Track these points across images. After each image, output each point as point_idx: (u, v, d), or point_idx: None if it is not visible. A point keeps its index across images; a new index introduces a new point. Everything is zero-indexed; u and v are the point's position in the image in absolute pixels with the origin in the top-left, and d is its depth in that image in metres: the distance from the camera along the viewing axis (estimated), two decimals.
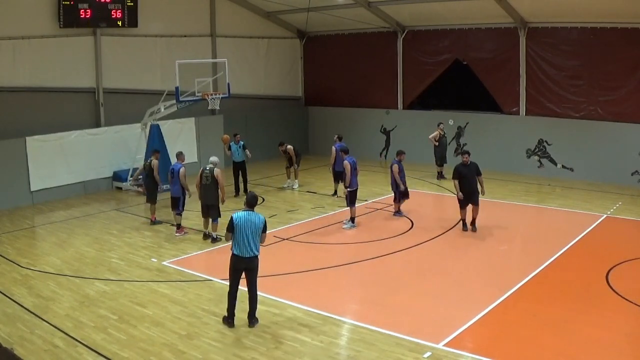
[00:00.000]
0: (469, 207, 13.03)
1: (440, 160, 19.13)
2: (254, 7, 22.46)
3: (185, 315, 9.01)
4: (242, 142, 17.12)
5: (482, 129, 20.34)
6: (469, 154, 13.22)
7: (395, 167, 14.23)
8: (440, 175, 18.99)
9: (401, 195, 14.49)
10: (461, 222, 13.26)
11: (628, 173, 17.42)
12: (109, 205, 16.52)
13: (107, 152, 18.33)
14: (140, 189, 16.43)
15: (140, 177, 15.35)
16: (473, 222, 13.10)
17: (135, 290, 10.14)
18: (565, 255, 11.48)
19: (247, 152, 17.00)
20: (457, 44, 20.61)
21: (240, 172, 17.07)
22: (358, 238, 13.09)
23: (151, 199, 14.34)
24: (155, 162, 14.19)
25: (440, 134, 19.11)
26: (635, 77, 17.12)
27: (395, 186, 14.38)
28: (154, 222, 14.28)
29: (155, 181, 14.18)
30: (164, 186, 14.82)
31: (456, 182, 12.90)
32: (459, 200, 12.99)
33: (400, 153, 14.59)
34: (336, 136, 17.25)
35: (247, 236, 8.35)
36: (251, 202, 8.65)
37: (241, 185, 17.08)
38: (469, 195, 12.83)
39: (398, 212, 14.59)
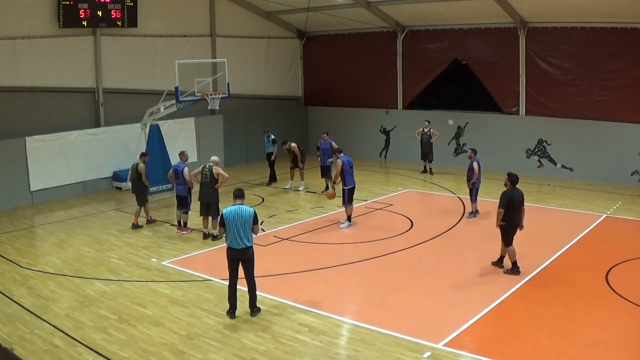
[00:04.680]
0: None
1: (423, 156, 19.62)
2: (254, 7, 22.46)
3: (185, 315, 9.01)
4: (273, 137, 18.31)
5: (481, 129, 20.34)
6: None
7: (475, 165, 14.02)
8: (429, 171, 19.53)
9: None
10: (501, 258, 10.87)
11: (628, 173, 17.43)
12: (109, 205, 16.52)
13: (106, 152, 18.31)
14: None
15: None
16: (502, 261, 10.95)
17: (135, 290, 10.14)
18: (565, 255, 11.49)
19: (275, 147, 18.16)
20: (457, 44, 20.62)
21: (268, 163, 18.53)
22: (358, 238, 13.08)
23: (142, 200, 14.06)
24: (142, 166, 13.85)
25: (422, 130, 19.42)
26: (635, 77, 17.12)
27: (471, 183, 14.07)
28: (149, 222, 14.29)
29: (144, 184, 13.89)
30: (151, 188, 14.56)
31: (502, 211, 10.46)
32: (510, 233, 10.57)
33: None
34: (326, 134, 17.95)
35: (236, 228, 8.64)
36: (236, 195, 8.99)
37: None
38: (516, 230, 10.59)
39: (473, 213, 14.37)
